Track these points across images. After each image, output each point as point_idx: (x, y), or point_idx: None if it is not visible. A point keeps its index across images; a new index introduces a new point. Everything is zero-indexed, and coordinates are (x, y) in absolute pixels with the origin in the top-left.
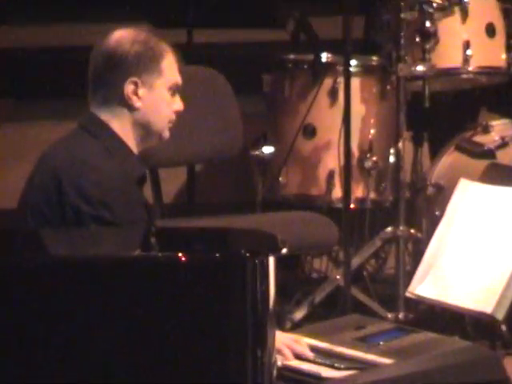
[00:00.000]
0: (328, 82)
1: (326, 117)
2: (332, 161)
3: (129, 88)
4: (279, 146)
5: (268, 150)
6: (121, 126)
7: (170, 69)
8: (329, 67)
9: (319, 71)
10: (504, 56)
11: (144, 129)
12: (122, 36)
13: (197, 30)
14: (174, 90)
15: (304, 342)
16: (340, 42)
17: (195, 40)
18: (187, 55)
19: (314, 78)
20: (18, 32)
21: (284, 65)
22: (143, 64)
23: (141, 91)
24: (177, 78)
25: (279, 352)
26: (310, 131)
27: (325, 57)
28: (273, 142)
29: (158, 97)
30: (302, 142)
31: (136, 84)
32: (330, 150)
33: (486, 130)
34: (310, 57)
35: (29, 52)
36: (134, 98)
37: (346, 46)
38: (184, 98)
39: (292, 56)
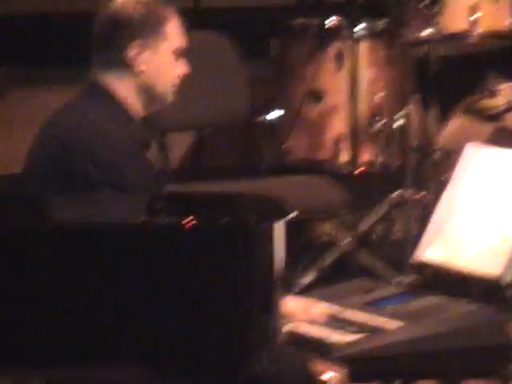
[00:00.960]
0: (334, 47)
1: (333, 81)
2: (339, 125)
3: (133, 51)
4: (286, 110)
5: (275, 114)
6: (125, 89)
7: (174, 32)
8: (335, 31)
9: (325, 36)
10: (510, 20)
11: (148, 92)
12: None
13: None
14: (179, 53)
15: (320, 309)
16: (346, 6)
17: (202, 5)
18: (194, 20)
19: (320, 43)
20: None
21: (291, 29)
22: (147, 27)
23: (145, 54)
24: (181, 42)
25: (293, 315)
26: (317, 96)
27: (331, 21)
28: (280, 106)
29: (162, 60)
30: (310, 106)
31: (140, 47)
32: (337, 115)
33: (493, 93)
34: (317, 21)
35: (27, 18)
36: (138, 61)
37: (352, 9)
38: (191, 63)
39: (298, 20)
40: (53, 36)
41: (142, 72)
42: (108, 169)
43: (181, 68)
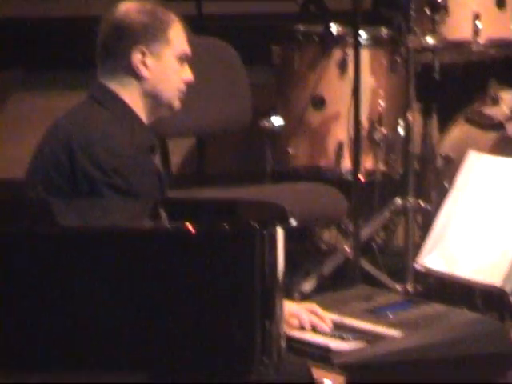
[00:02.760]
0: (337, 54)
1: (336, 88)
2: (341, 132)
3: (136, 57)
4: (288, 117)
5: (277, 121)
6: (130, 96)
7: (177, 38)
8: (338, 39)
9: (329, 43)
10: None
11: (153, 98)
12: (128, 7)
13: (206, 1)
14: (183, 59)
15: (326, 317)
16: (350, 14)
17: (204, 11)
18: (196, 26)
19: (323, 50)
20: (26, 2)
21: (293, 36)
22: (150, 33)
23: (148, 60)
24: (185, 47)
25: (298, 318)
26: (319, 103)
27: (334, 28)
28: (282, 113)
29: (166, 66)
30: (312, 113)
31: (143, 53)
32: (339, 122)
33: (496, 102)
34: (320, 28)
35: (37, 22)
36: (142, 68)
37: (355, 17)
38: (193, 69)
39: (301, 27)
40: (53, 40)
41: (147, 78)
42: (110, 172)
43: (185, 73)
